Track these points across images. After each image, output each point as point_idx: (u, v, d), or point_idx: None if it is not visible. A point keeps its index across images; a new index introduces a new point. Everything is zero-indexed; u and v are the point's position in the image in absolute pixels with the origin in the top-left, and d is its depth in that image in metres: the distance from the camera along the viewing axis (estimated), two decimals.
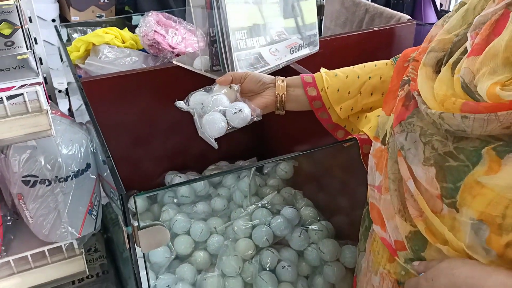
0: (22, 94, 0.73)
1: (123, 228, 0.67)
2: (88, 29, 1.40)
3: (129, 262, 0.74)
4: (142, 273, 0.74)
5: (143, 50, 1.21)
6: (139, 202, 1.08)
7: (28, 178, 0.87)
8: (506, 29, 0.51)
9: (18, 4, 0.80)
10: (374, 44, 1.24)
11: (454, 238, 0.53)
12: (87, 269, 0.93)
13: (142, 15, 1.31)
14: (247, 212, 0.97)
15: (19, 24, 0.77)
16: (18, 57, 0.72)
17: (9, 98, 0.72)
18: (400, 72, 0.70)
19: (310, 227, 0.96)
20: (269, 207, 0.99)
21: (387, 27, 1.24)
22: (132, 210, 0.66)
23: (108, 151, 0.73)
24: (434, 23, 0.72)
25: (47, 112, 0.75)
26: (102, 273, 1.11)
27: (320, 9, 1.62)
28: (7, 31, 0.75)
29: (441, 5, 2.68)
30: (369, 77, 0.85)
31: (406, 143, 0.58)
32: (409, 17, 1.32)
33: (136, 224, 0.66)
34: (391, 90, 0.71)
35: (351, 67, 0.89)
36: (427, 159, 0.55)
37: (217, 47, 0.97)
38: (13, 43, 0.74)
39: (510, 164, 0.48)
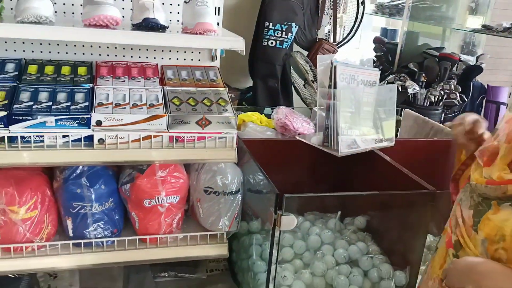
0: (226, 137, 1.35)
1: (273, 214, 1.21)
2: None
3: (269, 240, 1.26)
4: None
5: (273, 129, 1.84)
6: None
7: (207, 189, 1.46)
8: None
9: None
10: (432, 149, 1.77)
11: (474, 248, 0.96)
12: (228, 254, 1.45)
13: (273, 108, 1.97)
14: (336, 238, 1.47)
15: None
16: (229, 117, 1.35)
17: (220, 138, 1.35)
18: None
19: (374, 255, 1.43)
20: (348, 239, 1.49)
21: (443, 139, 1.77)
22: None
23: (271, 182, 1.29)
24: None
25: (235, 149, 1.36)
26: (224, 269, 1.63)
27: (398, 123, 2.21)
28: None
29: None
30: None
31: (463, 196, 1.05)
32: None
33: (280, 213, 1.20)
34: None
35: None
36: (470, 206, 1.00)
37: (329, 132, 1.56)
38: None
39: (504, 210, 0.92)
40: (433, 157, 1.78)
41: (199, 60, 1.61)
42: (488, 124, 3.26)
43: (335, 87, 1.54)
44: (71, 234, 1.35)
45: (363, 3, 3.02)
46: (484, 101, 3.07)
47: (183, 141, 1.32)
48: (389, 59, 3.43)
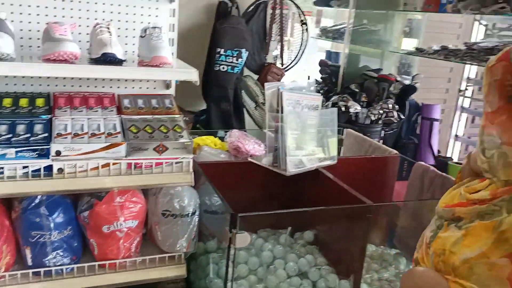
0: (182, 162, 1.44)
1: (229, 232, 1.30)
2: None
3: (225, 259, 1.35)
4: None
5: (227, 151, 1.94)
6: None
7: (164, 212, 1.53)
8: None
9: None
10: (371, 166, 1.94)
11: (427, 262, 1.06)
12: (186, 274, 1.52)
13: (226, 131, 2.08)
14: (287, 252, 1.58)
15: None
16: (185, 142, 1.44)
17: (177, 163, 1.43)
18: None
19: (321, 267, 1.56)
20: (298, 252, 1.60)
21: (381, 156, 1.96)
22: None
23: (226, 203, 1.39)
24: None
25: (191, 173, 1.45)
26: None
27: (341, 141, 2.39)
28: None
29: (439, 151, 3.42)
30: None
31: (431, 222, 1.13)
32: (396, 152, 2.02)
33: (234, 231, 1.30)
34: None
35: None
36: (432, 230, 1.08)
37: (278, 153, 1.68)
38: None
39: (450, 229, 1.03)
40: (372, 173, 1.96)
41: (154, 88, 1.69)
42: (423, 140, 3.50)
43: (282, 112, 1.68)
44: (30, 263, 1.37)
45: (307, 29, 3.22)
46: (419, 118, 3.34)
47: (141, 167, 1.39)
48: (333, 80, 3.65)
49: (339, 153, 2.26)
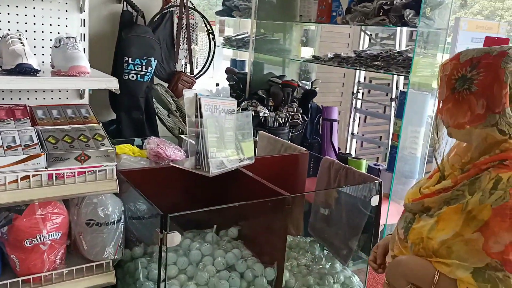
0: (106, 169, 1.45)
1: (159, 233, 1.35)
2: None
3: (155, 261, 1.39)
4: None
5: (147, 158, 1.96)
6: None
7: (89, 221, 1.51)
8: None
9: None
10: (284, 163, 2.11)
11: (406, 253, 1.15)
12: (115, 281, 1.52)
13: (143, 139, 2.10)
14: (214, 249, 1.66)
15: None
16: (108, 150, 1.45)
17: (100, 171, 1.44)
18: None
19: (247, 258, 1.66)
20: (224, 248, 1.69)
21: (292, 154, 2.14)
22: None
23: (154, 205, 1.43)
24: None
25: (116, 180, 1.46)
26: None
27: (255, 143, 2.53)
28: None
29: (339, 148, 3.75)
30: None
31: (399, 222, 1.25)
32: (305, 149, 2.23)
33: (165, 232, 1.35)
34: None
35: None
36: (402, 227, 1.21)
37: (199, 156, 1.76)
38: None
39: (423, 220, 1.12)
40: (285, 169, 2.13)
41: (67, 98, 1.67)
42: (325, 139, 3.79)
43: (201, 117, 1.76)
44: None
45: (214, 38, 3.34)
46: (320, 119, 3.64)
47: (63, 177, 1.37)
48: (241, 87, 3.81)
49: (255, 153, 2.41)
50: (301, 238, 2.09)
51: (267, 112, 3.31)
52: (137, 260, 1.67)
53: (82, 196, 1.48)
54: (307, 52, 4.13)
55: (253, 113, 3.30)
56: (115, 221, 1.55)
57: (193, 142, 1.78)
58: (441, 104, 1.13)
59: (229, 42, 4.45)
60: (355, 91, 3.90)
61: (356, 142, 4.26)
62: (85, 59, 1.38)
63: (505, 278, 0.99)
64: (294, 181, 2.14)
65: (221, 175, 1.80)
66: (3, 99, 1.55)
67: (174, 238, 1.38)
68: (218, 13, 4.49)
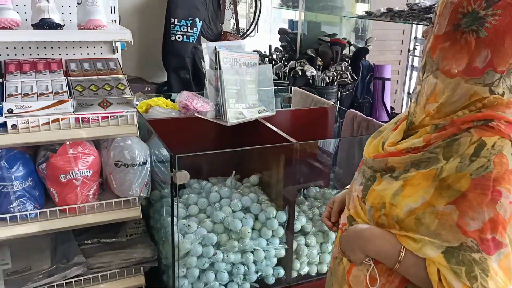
0: (127, 115, 1.61)
1: (170, 172, 1.49)
2: (141, 99, 2.32)
3: (169, 198, 1.54)
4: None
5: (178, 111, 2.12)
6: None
7: (117, 162, 1.70)
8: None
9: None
10: (309, 116, 2.14)
11: (364, 217, 1.00)
12: (141, 215, 1.71)
13: (177, 93, 2.26)
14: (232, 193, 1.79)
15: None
16: (128, 97, 1.61)
17: (121, 116, 1.60)
18: None
19: (262, 203, 1.76)
20: (241, 192, 1.81)
21: (319, 107, 2.16)
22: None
23: (166, 147, 1.58)
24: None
25: (136, 125, 1.62)
26: (143, 233, 1.88)
27: (290, 99, 2.57)
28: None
29: (392, 108, 3.63)
30: None
31: (357, 176, 1.07)
32: (332, 103, 2.22)
33: (175, 170, 1.49)
34: None
35: None
36: (361, 183, 1.03)
37: (219, 107, 1.86)
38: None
39: (385, 180, 0.95)
40: (311, 123, 2.16)
41: (101, 54, 1.85)
42: (377, 98, 3.70)
43: (220, 69, 1.86)
44: None
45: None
46: (372, 78, 3.54)
47: (88, 121, 1.55)
48: (293, 47, 3.82)
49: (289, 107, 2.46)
50: (327, 190, 2.13)
51: (314, 71, 3.30)
52: (163, 200, 1.85)
53: (109, 139, 1.67)
54: (362, 9, 3.98)
55: (300, 73, 3.32)
56: (141, 163, 1.72)
57: (214, 93, 1.89)
58: (436, 38, 0.92)
59: (285, 2, 4.43)
60: (411, 48, 3.71)
61: None
62: (102, 14, 1.52)
63: (482, 260, 0.84)
64: (319, 134, 2.17)
65: (242, 127, 1.89)
66: (45, 54, 1.76)
67: (183, 176, 1.51)
68: None
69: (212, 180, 1.98)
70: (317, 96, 2.34)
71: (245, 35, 3.38)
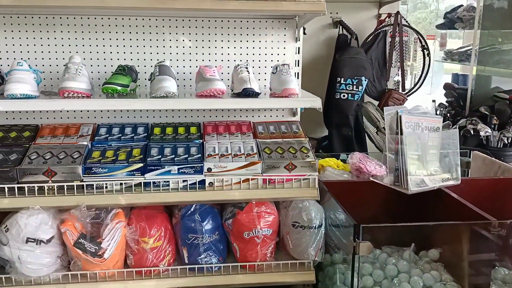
0: (309, 178, 1.63)
1: (352, 242, 1.44)
2: None
3: (350, 269, 1.48)
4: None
5: (349, 172, 2.09)
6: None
7: (294, 223, 1.72)
8: None
9: None
10: (499, 187, 1.89)
11: None
12: (314, 280, 1.68)
13: (348, 154, 2.23)
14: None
15: None
16: (311, 161, 1.63)
17: (304, 179, 1.63)
18: None
19: (447, 283, 1.58)
20: (422, 268, 1.65)
21: (509, 177, 1.90)
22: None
23: (349, 215, 1.54)
24: None
25: (317, 189, 1.63)
26: None
27: (468, 164, 2.35)
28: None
29: None
30: None
31: None
32: None
33: (358, 240, 1.44)
34: None
35: None
36: None
37: (399, 173, 1.78)
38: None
39: None
40: (500, 194, 1.91)
41: (283, 116, 1.94)
42: None
43: (401, 134, 1.78)
44: (186, 261, 1.68)
45: (428, 54, 3.23)
46: None
47: (274, 182, 1.62)
48: (460, 103, 3.54)
49: (467, 175, 2.24)
50: None
51: (490, 131, 2.99)
52: (335, 266, 1.79)
53: (289, 200, 1.70)
54: None
55: (472, 132, 3.04)
56: (317, 226, 1.72)
57: (393, 158, 1.81)
58: None
59: (450, 56, 4.20)
60: None
61: None
62: (295, 82, 1.61)
63: None
64: (508, 208, 1.90)
65: (421, 194, 1.77)
66: (234, 116, 1.93)
67: (366, 248, 1.45)
68: (439, 26, 4.29)
69: (386, 249, 1.86)
70: (505, 164, 2.08)
71: (411, 92, 3.26)
